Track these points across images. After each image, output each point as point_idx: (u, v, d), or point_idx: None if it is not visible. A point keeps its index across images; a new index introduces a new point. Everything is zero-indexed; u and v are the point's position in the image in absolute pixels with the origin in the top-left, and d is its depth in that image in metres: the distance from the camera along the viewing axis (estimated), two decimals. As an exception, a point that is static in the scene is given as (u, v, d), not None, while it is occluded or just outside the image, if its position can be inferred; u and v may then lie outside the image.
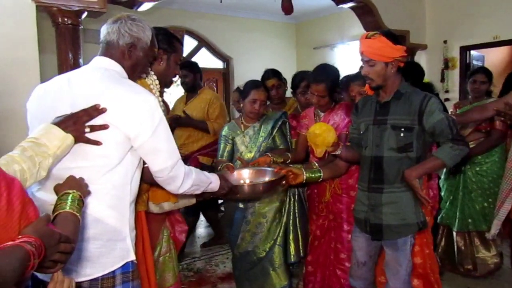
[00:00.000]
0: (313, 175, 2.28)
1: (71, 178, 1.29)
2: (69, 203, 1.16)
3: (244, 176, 2.32)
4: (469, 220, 3.30)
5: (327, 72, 2.47)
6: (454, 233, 3.38)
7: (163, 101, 1.96)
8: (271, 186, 2.20)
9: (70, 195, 1.19)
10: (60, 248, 0.99)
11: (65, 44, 3.02)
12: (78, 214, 1.17)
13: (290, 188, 2.60)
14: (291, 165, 2.37)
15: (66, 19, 2.97)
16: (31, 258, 0.86)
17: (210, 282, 3.44)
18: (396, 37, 2.00)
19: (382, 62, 1.96)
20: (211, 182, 1.74)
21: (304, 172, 2.26)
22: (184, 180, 1.55)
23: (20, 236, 0.90)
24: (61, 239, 0.99)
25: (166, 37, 1.83)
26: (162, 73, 1.84)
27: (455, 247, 3.38)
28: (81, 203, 1.21)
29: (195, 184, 1.62)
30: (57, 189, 1.24)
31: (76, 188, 1.23)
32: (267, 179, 2.24)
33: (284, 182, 2.25)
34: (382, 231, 2.05)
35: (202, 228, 5.21)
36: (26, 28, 2.84)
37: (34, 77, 2.77)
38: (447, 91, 5.33)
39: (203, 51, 6.90)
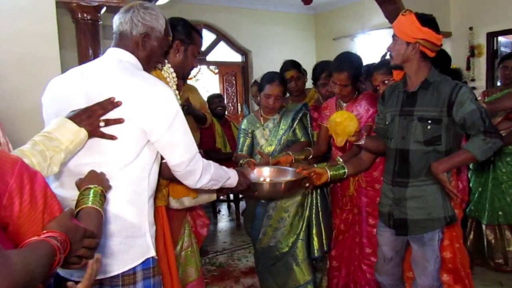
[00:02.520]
0: (337, 173, 2.21)
1: (92, 173, 1.27)
2: (91, 198, 1.15)
3: (264, 174, 2.27)
4: (500, 213, 3.19)
5: (350, 60, 2.39)
6: (484, 226, 3.28)
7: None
8: (291, 186, 2.15)
9: (92, 190, 1.18)
10: (85, 243, 0.98)
11: (85, 39, 3.05)
12: (100, 209, 1.15)
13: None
14: (315, 165, 2.29)
15: (85, 15, 2.99)
16: (57, 253, 0.85)
17: (233, 277, 3.43)
18: (429, 21, 1.89)
19: (404, 41, 1.89)
20: (230, 177, 1.70)
21: (328, 171, 2.19)
22: (203, 174, 1.52)
23: (45, 231, 0.89)
24: (86, 234, 0.98)
25: (185, 28, 1.78)
26: (179, 65, 1.79)
27: (485, 240, 3.28)
28: (103, 198, 1.20)
29: (213, 179, 1.58)
30: (79, 184, 1.23)
31: (97, 183, 1.22)
32: (287, 178, 2.19)
33: (308, 184, 2.20)
34: (407, 226, 1.97)
35: (223, 222, 5.22)
36: (47, 24, 2.85)
37: (55, 73, 2.74)
38: (473, 80, 5.17)
39: (222, 44, 6.88)
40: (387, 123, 2.06)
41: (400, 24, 1.90)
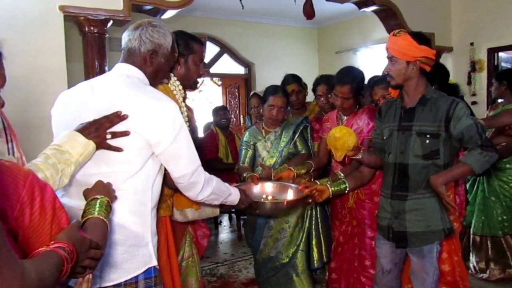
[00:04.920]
0: (339, 188, 2.23)
1: (99, 183, 1.31)
2: (97, 209, 1.19)
3: (267, 191, 2.29)
4: (486, 225, 3.26)
5: (352, 73, 2.44)
6: (471, 234, 3.34)
7: (187, 106, 1.95)
8: (293, 204, 2.18)
9: (98, 201, 1.21)
10: (90, 254, 1.01)
11: (91, 52, 3.10)
12: (106, 220, 1.19)
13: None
14: (317, 181, 2.32)
15: (92, 28, 3.05)
16: (65, 263, 0.88)
17: (233, 288, 3.44)
18: (423, 38, 1.96)
19: (404, 60, 1.93)
20: (231, 194, 1.74)
21: (330, 187, 2.21)
22: (204, 187, 1.56)
23: (53, 242, 0.92)
24: (91, 245, 1.01)
25: (183, 41, 1.80)
26: (182, 77, 1.83)
27: (471, 246, 3.35)
28: (109, 208, 1.23)
29: (214, 193, 1.62)
30: (86, 194, 1.27)
31: (104, 193, 1.25)
32: (290, 196, 2.22)
33: (310, 200, 2.22)
34: (407, 238, 2.00)
35: (225, 233, 5.23)
36: (54, 37, 2.92)
37: (62, 85, 2.84)
38: (474, 94, 5.20)
39: (225, 57, 6.96)
40: (385, 138, 2.10)
41: (396, 45, 1.94)
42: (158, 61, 1.56)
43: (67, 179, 1.29)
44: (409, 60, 1.92)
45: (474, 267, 3.33)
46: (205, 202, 1.66)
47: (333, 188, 2.22)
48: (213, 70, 6.89)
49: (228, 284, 3.52)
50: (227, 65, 7.02)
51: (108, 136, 1.36)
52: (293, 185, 2.29)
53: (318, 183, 2.26)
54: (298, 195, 2.18)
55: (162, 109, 1.42)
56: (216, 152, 4.56)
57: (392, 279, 2.15)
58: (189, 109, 3.53)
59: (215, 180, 1.62)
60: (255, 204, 2.00)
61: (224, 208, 1.85)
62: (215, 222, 5.30)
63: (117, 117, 1.37)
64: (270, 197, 2.26)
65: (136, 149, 1.40)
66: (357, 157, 2.15)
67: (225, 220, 5.69)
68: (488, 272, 3.26)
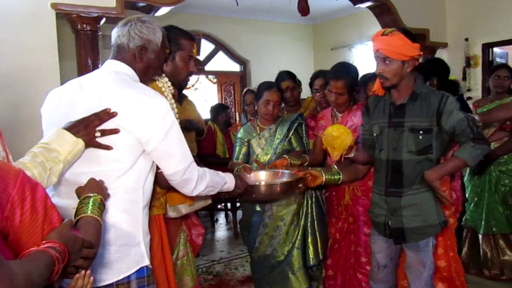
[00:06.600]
0: (332, 177, 2.22)
1: (92, 181, 1.29)
2: (90, 207, 1.17)
3: (261, 178, 2.29)
4: (493, 222, 3.22)
5: (347, 69, 2.44)
6: (480, 237, 3.29)
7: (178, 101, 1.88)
8: (288, 187, 2.16)
9: (92, 199, 1.20)
10: (83, 254, 1.00)
11: (84, 50, 3.08)
12: (99, 218, 1.17)
13: (307, 190, 2.57)
14: (310, 167, 2.32)
15: (85, 26, 3.03)
16: (56, 263, 0.87)
17: (230, 286, 3.43)
18: (413, 35, 1.94)
19: (399, 60, 1.89)
20: (226, 182, 1.73)
21: (324, 174, 2.20)
22: (198, 182, 1.54)
23: (44, 242, 0.91)
24: (84, 244, 1.00)
25: (169, 37, 1.71)
26: (170, 74, 1.78)
27: (481, 251, 3.29)
28: (102, 207, 1.21)
29: (210, 186, 1.61)
30: (79, 192, 1.25)
31: (97, 191, 1.24)
32: (284, 180, 2.21)
33: (301, 185, 2.20)
34: (404, 234, 2.00)
35: (221, 231, 5.22)
36: (47, 35, 2.90)
37: (54, 83, 2.81)
38: (469, 90, 5.21)
39: (220, 54, 6.94)
40: (375, 134, 2.08)
41: (391, 45, 1.88)
42: (148, 57, 1.53)
43: (55, 178, 1.27)
44: (404, 60, 1.90)
45: (488, 270, 3.25)
46: (201, 195, 1.64)
47: (326, 176, 2.19)
48: (208, 67, 6.87)
49: (224, 282, 3.51)
50: (222, 63, 7.01)
51: (98, 134, 1.34)
52: (286, 171, 2.27)
53: (311, 169, 2.25)
54: (292, 178, 2.16)
55: (152, 106, 1.40)
56: (213, 148, 4.60)
57: (387, 273, 2.15)
58: (190, 105, 3.52)
59: (208, 174, 1.60)
60: (250, 188, 1.97)
61: (221, 195, 1.83)
62: (211, 220, 5.30)
63: (106, 115, 1.35)
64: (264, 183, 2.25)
65: (126, 147, 1.38)
66: (350, 156, 2.15)
67: (221, 217, 5.68)
68: (505, 273, 3.20)
